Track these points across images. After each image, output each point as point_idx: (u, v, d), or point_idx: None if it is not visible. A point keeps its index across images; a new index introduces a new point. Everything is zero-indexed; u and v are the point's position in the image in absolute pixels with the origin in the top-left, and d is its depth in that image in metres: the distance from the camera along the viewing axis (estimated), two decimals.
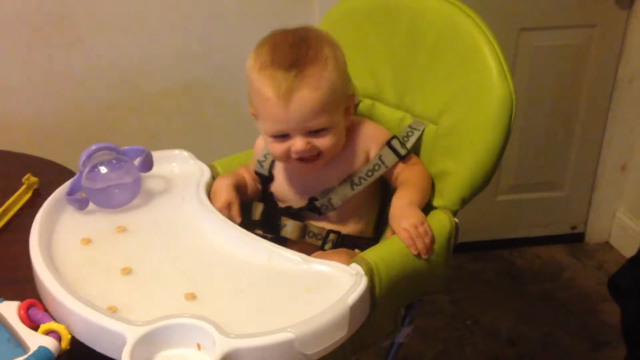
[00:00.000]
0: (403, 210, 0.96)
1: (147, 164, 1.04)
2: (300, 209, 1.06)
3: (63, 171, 1.21)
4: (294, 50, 0.95)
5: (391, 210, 0.98)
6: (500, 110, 0.94)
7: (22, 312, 0.81)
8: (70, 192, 0.99)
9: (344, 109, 1.00)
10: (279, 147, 0.98)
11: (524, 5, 1.79)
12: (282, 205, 1.09)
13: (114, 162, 0.99)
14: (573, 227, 2.19)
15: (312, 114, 0.94)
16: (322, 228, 1.05)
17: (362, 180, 1.03)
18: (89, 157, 0.99)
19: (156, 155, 1.08)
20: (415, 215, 0.95)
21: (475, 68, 0.97)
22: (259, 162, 1.10)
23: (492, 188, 2.05)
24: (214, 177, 1.09)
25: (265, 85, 0.94)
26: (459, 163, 1.00)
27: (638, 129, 1.99)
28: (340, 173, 1.04)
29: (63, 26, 1.64)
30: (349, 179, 1.03)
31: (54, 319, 0.81)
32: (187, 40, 1.72)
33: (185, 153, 1.13)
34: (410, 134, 1.08)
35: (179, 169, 1.12)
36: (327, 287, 0.84)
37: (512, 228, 2.16)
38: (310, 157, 0.99)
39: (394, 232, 0.96)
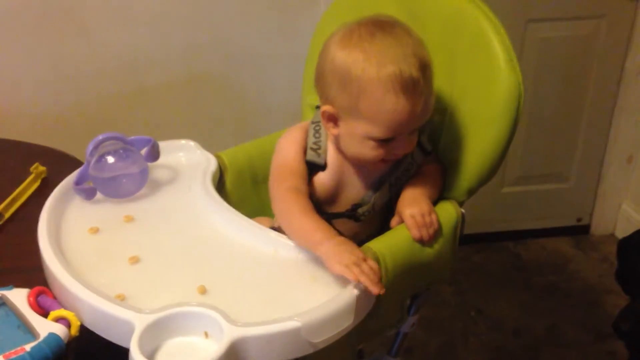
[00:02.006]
0: (414, 198, 0.97)
1: (154, 154, 1.04)
2: (338, 215, 1.01)
3: (71, 160, 1.21)
4: (415, 47, 0.89)
5: (402, 197, 0.99)
6: (507, 101, 0.94)
7: (31, 299, 0.82)
8: (78, 182, 0.99)
9: None
10: (377, 151, 0.93)
11: None
12: (318, 205, 1.00)
13: (121, 151, 0.99)
14: (578, 219, 2.18)
15: (428, 116, 0.93)
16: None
17: (398, 181, 1.01)
18: (96, 146, 0.99)
19: (163, 145, 1.08)
20: (425, 204, 0.95)
21: (482, 58, 0.96)
22: (313, 149, 0.99)
23: (497, 180, 2.05)
24: (220, 167, 1.10)
25: (392, 86, 0.86)
26: (465, 154, 1.00)
27: None
28: (382, 170, 1.01)
29: (69, 17, 1.64)
30: (387, 181, 1.01)
31: (63, 306, 0.81)
32: (193, 32, 1.72)
33: (191, 143, 1.14)
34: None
35: (186, 158, 1.12)
36: (334, 277, 0.85)
37: (518, 220, 2.16)
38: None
39: (399, 220, 0.96)
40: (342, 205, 1.02)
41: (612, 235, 2.18)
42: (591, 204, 2.16)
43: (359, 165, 0.99)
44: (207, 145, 1.15)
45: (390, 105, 0.87)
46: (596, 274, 2.01)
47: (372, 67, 0.87)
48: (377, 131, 0.90)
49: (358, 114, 0.90)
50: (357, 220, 1.01)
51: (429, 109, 0.92)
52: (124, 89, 1.75)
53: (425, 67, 0.89)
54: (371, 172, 1.01)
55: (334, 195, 1.02)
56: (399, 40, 0.89)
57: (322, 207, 1.02)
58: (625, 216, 2.12)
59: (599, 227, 2.18)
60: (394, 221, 0.97)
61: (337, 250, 0.84)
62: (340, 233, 1.01)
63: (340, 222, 1.02)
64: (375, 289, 0.81)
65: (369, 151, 0.93)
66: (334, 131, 0.96)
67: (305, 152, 1.00)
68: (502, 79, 0.93)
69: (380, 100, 0.88)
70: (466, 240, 2.07)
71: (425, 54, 0.90)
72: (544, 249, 2.14)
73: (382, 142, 0.92)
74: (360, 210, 1.01)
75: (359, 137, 0.93)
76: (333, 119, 0.95)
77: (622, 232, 2.13)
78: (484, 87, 0.96)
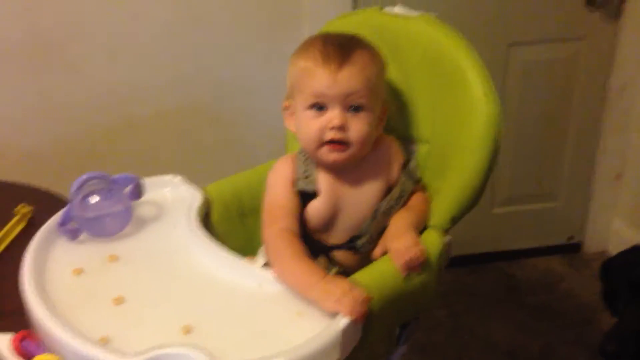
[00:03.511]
0: (400, 231, 0.97)
1: (138, 192, 1.04)
2: (337, 247, 1.03)
3: (57, 200, 1.21)
4: (345, 37, 1.01)
5: (388, 229, 0.99)
6: (486, 130, 0.95)
7: (15, 344, 0.81)
8: (63, 223, 0.99)
9: (378, 113, 1.01)
10: (314, 124, 0.97)
11: (512, 20, 1.80)
12: (315, 236, 1.03)
13: (105, 191, 0.99)
14: (570, 238, 2.19)
15: (357, 85, 0.96)
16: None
17: (392, 210, 1.02)
18: (80, 186, 0.99)
19: (148, 181, 1.08)
20: (411, 237, 0.95)
21: (460, 88, 0.98)
22: (302, 178, 1.02)
23: (487, 200, 2.06)
24: (206, 201, 1.10)
25: (314, 57, 0.97)
26: (447, 183, 1.00)
27: (631, 137, 2.00)
28: (375, 188, 1.03)
29: (55, 53, 1.65)
30: (380, 210, 1.01)
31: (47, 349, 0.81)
32: (180, 64, 1.73)
33: (176, 178, 1.13)
34: (408, 157, 1.10)
35: (171, 194, 1.12)
36: (319, 311, 0.85)
37: (509, 240, 2.16)
38: (341, 142, 0.97)
39: (383, 250, 0.96)
40: (341, 236, 1.03)
41: (605, 252, 2.18)
42: (582, 222, 2.16)
43: (328, 166, 1.01)
44: (196, 175, 1.15)
45: (306, 65, 0.97)
46: (590, 292, 2.01)
47: (299, 49, 1.01)
48: (305, 97, 0.98)
49: (294, 91, 1.00)
50: (357, 251, 1.02)
51: (355, 85, 0.96)
52: (112, 122, 1.75)
53: (351, 47, 0.98)
54: (364, 197, 1.02)
55: (330, 222, 1.03)
56: (339, 34, 1.02)
57: (321, 237, 1.03)
58: (617, 233, 2.12)
59: (590, 245, 2.18)
60: (377, 252, 0.98)
61: (326, 289, 0.85)
62: (342, 265, 1.02)
63: (340, 254, 1.03)
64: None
65: (310, 125, 0.98)
66: (291, 123, 1.03)
67: (294, 184, 1.01)
68: (481, 111, 0.95)
69: (300, 66, 0.99)
70: (458, 261, 2.08)
71: (360, 43, 1.00)
72: (536, 268, 2.14)
73: (315, 111, 0.97)
74: (359, 242, 1.01)
75: (300, 112, 0.99)
76: (289, 112, 1.03)
77: (614, 249, 2.13)
78: (464, 118, 0.98)
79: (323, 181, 1.02)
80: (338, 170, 1.02)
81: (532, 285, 2.06)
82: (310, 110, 0.98)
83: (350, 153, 0.98)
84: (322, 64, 0.96)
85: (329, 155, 0.98)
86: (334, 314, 0.83)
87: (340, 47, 0.97)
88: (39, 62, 1.66)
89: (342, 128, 0.96)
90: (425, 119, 1.08)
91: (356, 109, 0.97)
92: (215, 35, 1.72)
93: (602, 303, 1.90)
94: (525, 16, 1.80)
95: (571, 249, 2.20)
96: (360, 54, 0.97)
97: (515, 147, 1.97)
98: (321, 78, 0.96)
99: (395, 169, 1.05)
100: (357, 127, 0.97)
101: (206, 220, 1.10)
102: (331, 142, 0.97)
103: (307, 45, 1.00)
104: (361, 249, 1.02)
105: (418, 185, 1.06)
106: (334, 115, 0.96)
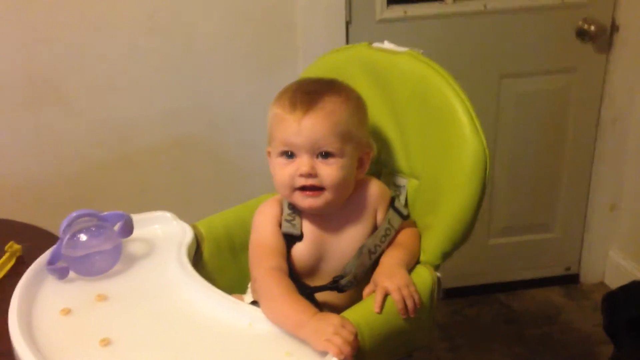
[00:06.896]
0: (392, 270, 0.96)
1: (127, 229, 1.04)
2: (320, 288, 1.01)
3: (48, 237, 1.21)
4: (318, 83, 1.02)
5: (379, 268, 0.99)
6: (474, 166, 0.95)
7: None
8: (51, 261, 0.99)
9: (357, 157, 1.01)
10: (285, 171, 0.98)
11: (504, 53, 1.82)
12: (300, 278, 1.02)
13: (93, 229, 0.99)
14: (567, 268, 2.17)
15: (323, 132, 0.95)
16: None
17: (377, 248, 1.02)
18: (70, 224, 0.99)
19: (138, 217, 1.08)
20: (402, 276, 0.95)
21: (448, 125, 0.99)
22: (287, 221, 1.03)
23: (483, 232, 2.05)
24: (196, 238, 1.09)
25: (283, 105, 0.98)
26: (437, 218, 1.00)
27: (624, 168, 2.00)
28: (359, 232, 1.03)
29: (51, 87, 1.66)
30: (365, 247, 1.01)
31: None
32: (175, 97, 1.74)
33: (167, 214, 1.13)
34: (398, 192, 1.09)
35: (162, 230, 1.12)
36: (309, 351, 0.84)
37: (507, 271, 2.14)
38: (312, 187, 0.97)
39: (373, 289, 0.95)
40: (324, 277, 1.02)
41: (602, 283, 2.16)
42: (578, 253, 2.15)
43: (306, 211, 1.01)
44: (191, 210, 1.14)
45: (277, 112, 0.99)
46: (589, 323, 1.99)
47: (276, 95, 1.02)
48: (276, 144, 0.99)
49: (270, 138, 1.01)
50: (341, 291, 1.01)
51: (321, 131, 0.96)
52: (106, 157, 1.76)
53: (320, 92, 0.98)
54: (349, 241, 1.02)
55: (314, 266, 1.03)
56: (314, 80, 1.03)
57: (304, 280, 1.02)
58: (614, 264, 2.11)
59: (588, 275, 2.16)
60: (367, 289, 0.97)
61: (317, 327, 0.84)
62: (325, 305, 1.01)
63: (323, 295, 1.02)
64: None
65: (282, 172, 0.99)
66: (271, 168, 1.03)
67: (280, 225, 1.01)
68: (468, 146, 0.95)
69: (273, 113, 1.00)
70: (457, 293, 2.07)
71: (332, 88, 1.00)
72: (534, 300, 2.12)
73: (285, 158, 0.98)
74: (342, 282, 1.00)
75: (274, 158, 1.00)
76: (269, 157, 1.04)
77: (611, 279, 2.12)
78: (452, 155, 0.98)
79: (307, 226, 1.03)
80: (321, 216, 1.02)
81: (531, 317, 2.04)
82: (282, 157, 0.99)
83: (325, 198, 0.98)
84: (289, 111, 0.97)
85: (304, 200, 0.99)
86: (323, 353, 0.82)
87: (308, 94, 0.98)
88: (35, 96, 1.66)
89: (311, 175, 0.96)
90: (416, 155, 1.09)
91: (325, 155, 0.97)
92: (211, 70, 1.73)
93: (602, 335, 1.88)
94: (516, 48, 1.81)
95: (569, 279, 2.18)
96: (329, 100, 0.97)
97: (510, 178, 1.97)
98: (287, 126, 0.97)
99: (381, 209, 1.05)
100: (328, 173, 0.97)
101: (197, 256, 1.09)
102: (303, 188, 0.98)
103: (283, 92, 1.01)
104: (344, 288, 1.01)
105: (407, 221, 1.05)
106: (302, 163, 0.97)
